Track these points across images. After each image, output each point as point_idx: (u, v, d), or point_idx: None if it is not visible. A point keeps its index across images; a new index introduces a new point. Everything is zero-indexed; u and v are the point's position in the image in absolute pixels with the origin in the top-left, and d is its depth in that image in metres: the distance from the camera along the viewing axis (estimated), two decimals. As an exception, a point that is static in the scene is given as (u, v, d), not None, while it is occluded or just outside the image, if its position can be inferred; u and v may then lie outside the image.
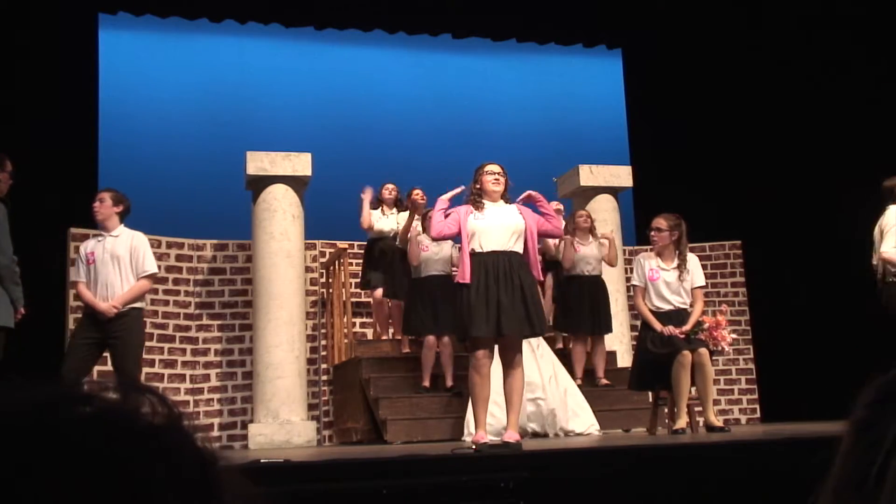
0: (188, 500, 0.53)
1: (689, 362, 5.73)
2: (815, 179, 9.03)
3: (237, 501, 0.57)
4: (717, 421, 5.94)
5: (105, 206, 5.69)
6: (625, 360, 8.01)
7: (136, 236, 5.74)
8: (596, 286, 7.52)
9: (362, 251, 8.33)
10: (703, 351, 5.77)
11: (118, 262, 5.61)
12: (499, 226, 5.21)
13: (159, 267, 7.94)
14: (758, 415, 9.29)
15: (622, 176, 8.73)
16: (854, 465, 0.63)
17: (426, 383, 7.08)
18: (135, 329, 5.63)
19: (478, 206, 5.27)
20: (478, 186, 5.30)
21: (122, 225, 5.74)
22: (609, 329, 7.55)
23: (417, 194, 7.68)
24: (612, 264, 7.74)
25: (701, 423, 6.20)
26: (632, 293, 6.55)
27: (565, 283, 7.60)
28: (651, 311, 6.01)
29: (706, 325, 5.86)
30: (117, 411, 0.55)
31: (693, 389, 5.99)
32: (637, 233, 10.16)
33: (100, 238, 5.73)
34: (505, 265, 5.14)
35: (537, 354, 6.76)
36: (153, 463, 0.53)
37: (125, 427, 0.54)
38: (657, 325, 5.90)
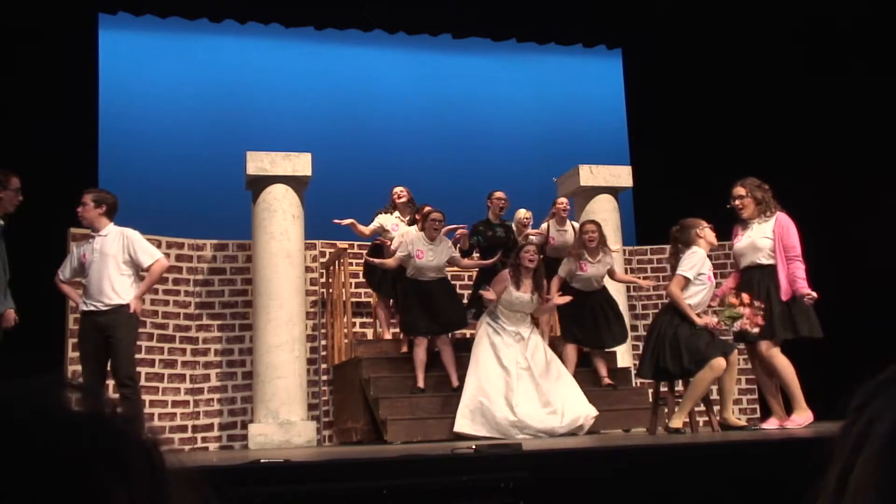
0: (129, 487, 0.55)
1: (723, 369, 5.73)
2: (815, 179, 9.02)
3: (187, 494, 0.59)
4: (737, 420, 6.03)
5: (88, 209, 5.72)
6: (625, 360, 8.01)
7: (125, 232, 5.74)
8: (606, 299, 7.43)
9: (362, 251, 8.33)
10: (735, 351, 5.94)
11: (109, 260, 5.62)
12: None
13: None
14: (758, 415, 9.28)
15: (622, 176, 8.74)
16: (835, 468, 0.63)
17: (420, 384, 7.09)
18: (129, 325, 5.64)
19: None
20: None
21: (112, 224, 5.75)
22: (624, 339, 7.63)
23: (428, 211, 7.32)
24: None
25: (701, 424, 6.20)
26: (669, 281, 6.29)
27: (573, 296, 7.22)
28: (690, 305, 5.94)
29: (744, 314, 5.76)
30: (60, 407, 0.57)
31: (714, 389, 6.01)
32: (637, 233, 10.16)
33: (90, 239, 5.75)
34: None
35: (530, 344, 6.82)
36: (93, 454, 0.55)
37: (68, 421, 0.56)
38: (693, 317, 5.82)
